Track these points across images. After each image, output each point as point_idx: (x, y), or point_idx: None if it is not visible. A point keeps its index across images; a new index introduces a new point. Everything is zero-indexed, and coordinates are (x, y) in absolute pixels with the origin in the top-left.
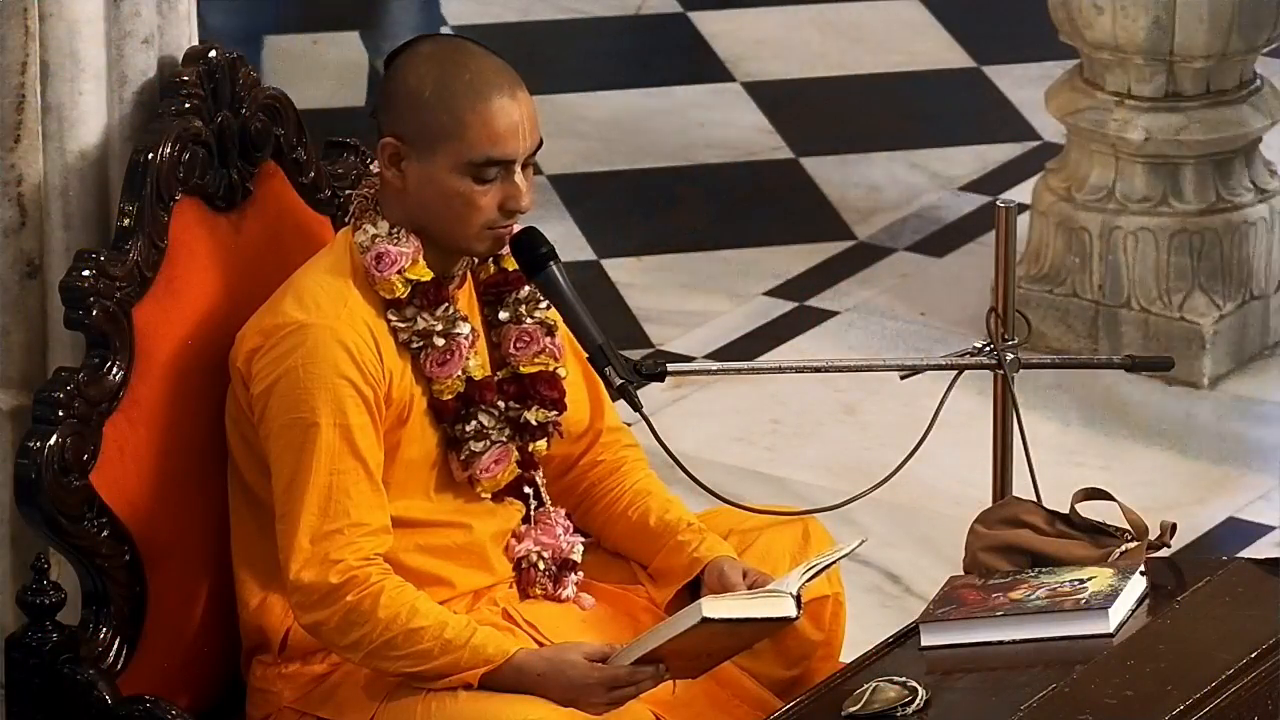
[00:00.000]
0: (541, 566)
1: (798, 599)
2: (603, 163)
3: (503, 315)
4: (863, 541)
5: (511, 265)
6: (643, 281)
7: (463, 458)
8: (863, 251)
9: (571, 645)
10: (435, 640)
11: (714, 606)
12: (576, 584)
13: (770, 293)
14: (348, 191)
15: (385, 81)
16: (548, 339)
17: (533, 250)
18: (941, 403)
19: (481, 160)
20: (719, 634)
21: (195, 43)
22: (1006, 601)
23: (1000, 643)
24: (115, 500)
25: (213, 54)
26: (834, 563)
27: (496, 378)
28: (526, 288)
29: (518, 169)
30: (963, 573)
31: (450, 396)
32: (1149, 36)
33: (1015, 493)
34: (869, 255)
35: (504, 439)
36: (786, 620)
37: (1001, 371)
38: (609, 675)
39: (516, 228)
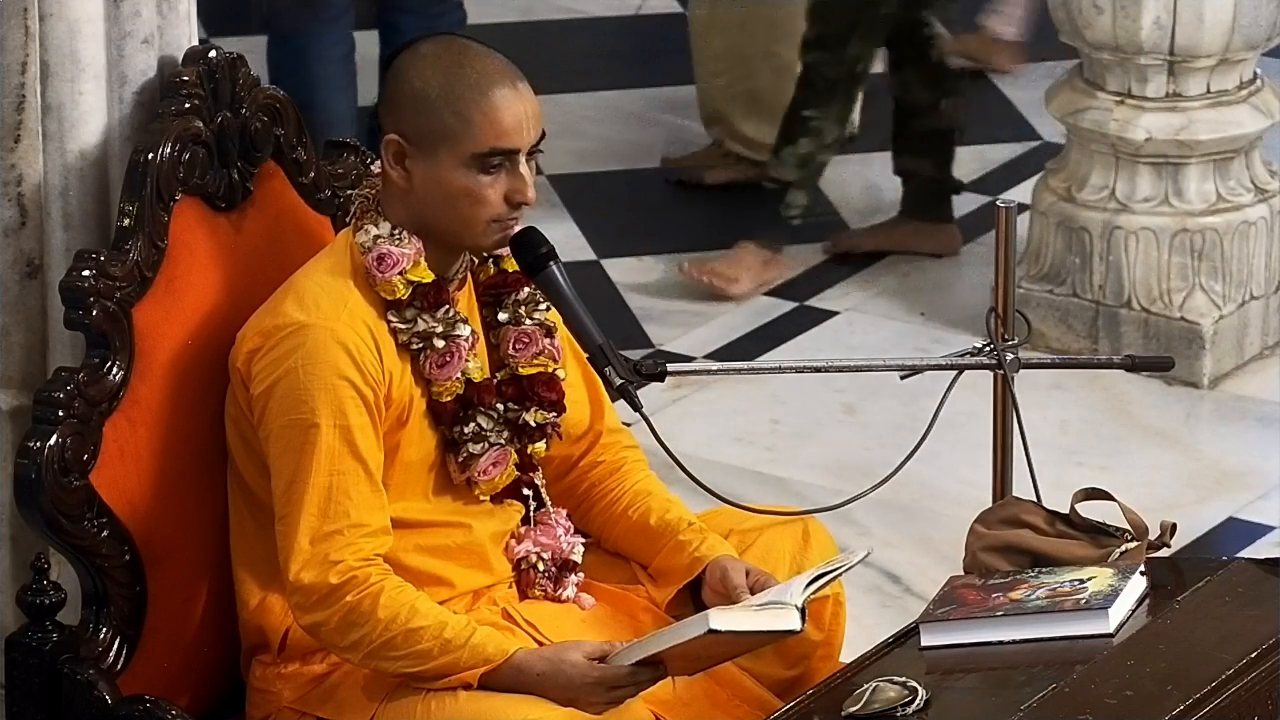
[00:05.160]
0: (541, 568)
1: (803, 612)
2: (603, 163)
3: (502, 316)
4: (869, 553)
5: (511, 266)
6: (643, 281)
7: (460, 460)
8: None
9: (571, 645)
10: (435, 640)
11: (721, 619)
12: (577, 585)
13: (770, 293)
14: (348, 191)
15: (387, 82)
16: (547, 340)
17: (533, 250)
18: (941, 403)
19: (486, 151)
20: (721, 642)
21: (195, 43)
22: (1006, 601)
23: (1000, 643)
24: (115, 500)
25: (213, 54)
26: (840, 574)
27: (495, 379)
28: (526, 289)
29: (522, 159)
30: (963, 573)
31: (449, 398)
32: (1149, 36)
33: (1015, 493)
34: (869, 255)
35: (502, 441)
36: (791, 633)
37: (1001, 371)
38: (609, 675)
39: (517, 227)
